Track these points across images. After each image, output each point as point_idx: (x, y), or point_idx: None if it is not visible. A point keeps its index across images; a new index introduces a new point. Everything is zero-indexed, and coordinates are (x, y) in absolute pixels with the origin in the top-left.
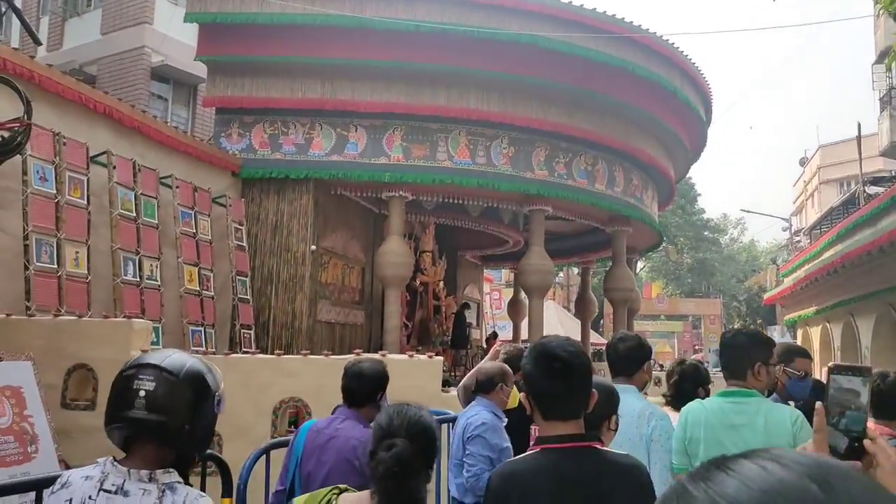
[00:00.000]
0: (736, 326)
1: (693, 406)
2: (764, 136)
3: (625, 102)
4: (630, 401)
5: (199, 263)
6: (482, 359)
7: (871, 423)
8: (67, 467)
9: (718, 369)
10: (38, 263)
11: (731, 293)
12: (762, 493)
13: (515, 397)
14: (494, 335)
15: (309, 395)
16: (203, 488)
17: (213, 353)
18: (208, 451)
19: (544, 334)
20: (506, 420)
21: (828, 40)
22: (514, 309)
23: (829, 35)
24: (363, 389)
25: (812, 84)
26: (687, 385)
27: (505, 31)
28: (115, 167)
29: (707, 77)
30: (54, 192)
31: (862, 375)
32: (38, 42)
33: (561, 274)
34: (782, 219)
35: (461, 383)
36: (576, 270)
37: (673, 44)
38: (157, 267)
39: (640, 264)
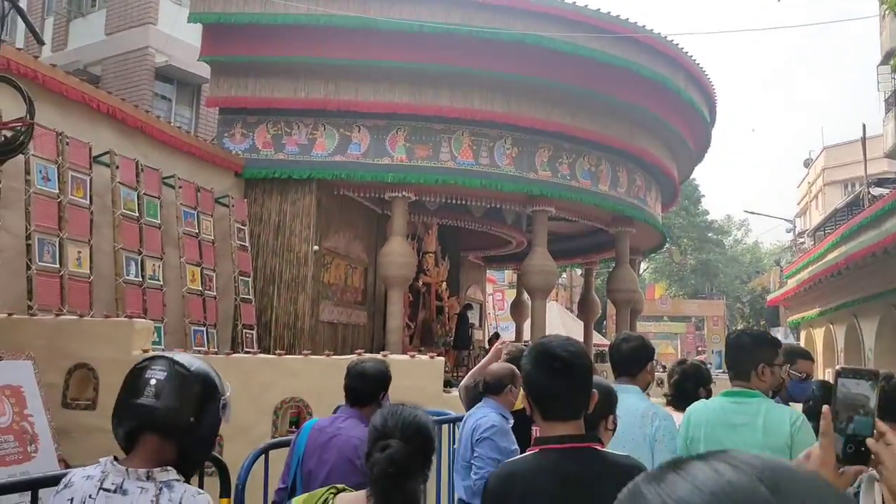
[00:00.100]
0: (739, 328)
1: (696, 406)
2: (768, 138)
3: (629, 103)
4: (633, 401)
5: (201, 263)
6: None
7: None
8: (67, 466)
9: (721, 370)
10: (40, 263)
11: (735, 295)
12: (711, 495)
13: (522, 399)
14: (497, 336)
15: (310, 396)
16: (201, 488)
17: (216, 353)
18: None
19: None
20: (512, 421)
21: (833, 41)
22: (516, 310)
23: (835, 36)
24: (366, 389)
25: (817, 85)
26: (688, 385)
27: (509, 32)
28: (117, 167)
29: (711, 77)
30: (57, 191)
31: (870, 379)
32: (41, 42)
33: (564, 275)
34: (786, 220)
35: (462, 383)
36: (579, 271)
37: (677, 44)
38: (159, 267)
39: (643, 265)
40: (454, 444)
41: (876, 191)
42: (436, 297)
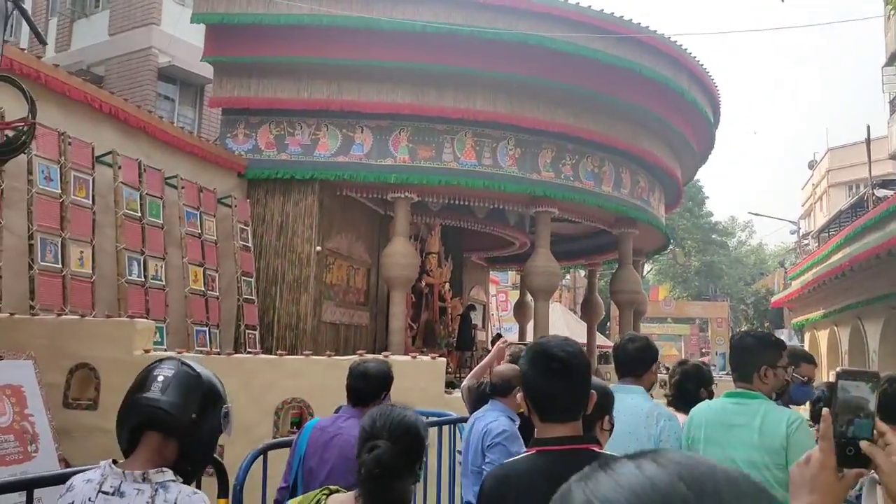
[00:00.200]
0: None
1: (699, 407)
2: (773, 139)
3: (632, 104)
4: (638, 401)
5: (204, 264)
6: None
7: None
8: (68, 466)
9: (725, 372)
10: (42, 263)
11: (739, 296)
12: (632, 492)
13: None
14: (499, 336)
15: (311, 396)
16: (198, 489)
17: (217, 354)
18: None
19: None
20: (518, 422)
21: (838, 42)
22: (520, 311)
23: (840, 37)
24: (368, 389)
25: (821, 86)
26: (689, 385)
27: (512, 32)
28: (120, 167)
29: (715, 78)
30: (59, 191)
31: (870, 381)
32: (43, 42)
33: (567, 276)
34: (790, 222)
35: (464, 384)
36: (582, 273)
37: (680, 45)
38: (161, 267)
39: (647, 267)
40: (455, 445)
41: (880, 192)
42: (439, 298)
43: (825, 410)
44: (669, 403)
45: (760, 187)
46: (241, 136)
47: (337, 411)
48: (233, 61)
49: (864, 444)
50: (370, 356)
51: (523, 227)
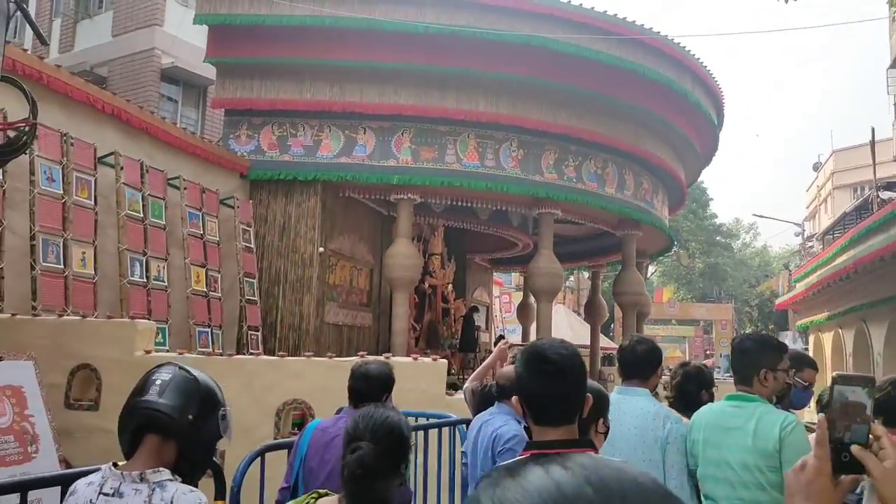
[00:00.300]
0: (748, 331)
1: (702, 410)
2: (777, 141)
3: (635, 105)
4: (644, 404)
5: (206, 264)
6: None
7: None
8: (69, 467)
9: (729, 374)
10: (44, 263)
11: (743, 298)
12: (538, 496)
13: None
14: (501, 338)
15: (312, 397)
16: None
17: (220, 355)
18: None
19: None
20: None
21: (844, 43)
22: (523, 312)
23: (845, 38)
24: (369, 390)
25: (826, 88)
26: (690, 387)
27: (514, 34)
28: (122, 168)
29: (719, 80)
30: (61, 192)
31: (866, 386)
32: (44, 42)
33: (571, 278)
34: (795, 224)
35: (468, 387)
36: (586, 274)
37: (684, 46)
38: (164, 268)
39: (651, 269)
40: (455, 447)
41: (885, 194)
42: (442, 300)
43: (820, 416)
44: (670, 405)
45: (765, 189)
46: (244, 137)
47: (338, 412)
48: (235, 62)
49: (854, 449)
50: (371, 357)
51: (526, 228)
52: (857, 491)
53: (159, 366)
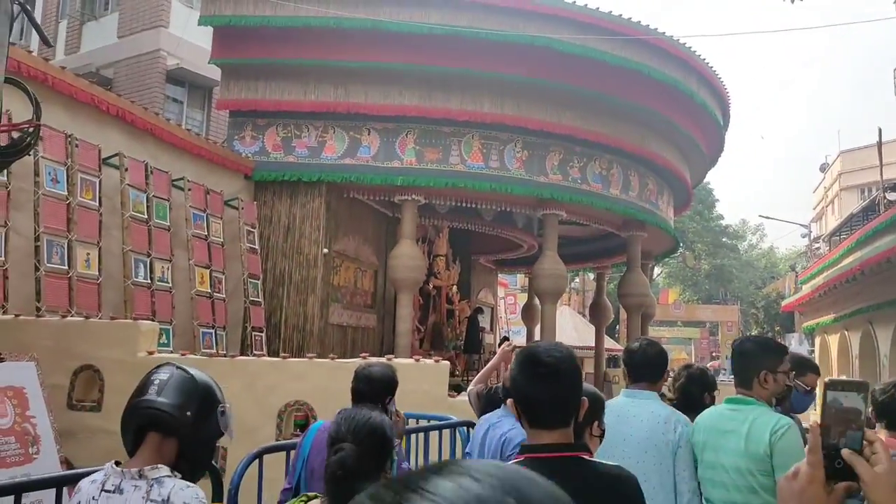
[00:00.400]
0: (754, 333)
1: (704, 413)
2: (784, 142)
3: (640, 106)
4: (655, 407)
5: (210, 266)
6: None
7: (883, 436)
8: (70, 468)
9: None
10: (48, 264)
11: (749, 300)
12: None
13: None
14: (506, 339)
15: (314, 398)
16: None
17: (224, 356)
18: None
19: (557, 340)
20: None
21: (851, 43)
22: (528, 314)
23: (851, 39)
24: (372, 392)
25: (833, 88)
26: (694, 389)
27: (519, 34)
28: (127, 169)
29: (725, 80)
30: (66, 193)
31: (861, 391)
32: (48, 44)
33: (577, 279)
34: (802, 225)
35: (472, 389)
36: (591, 276)
37: (689, 47)
38: (168, 269)
39: (656, 270)
40: (456, 449)
41: (892, 195)
42: (446, 301)
43: (813, 422)
44: (674, 407)
45: (772, 190)
46: (249, 138)
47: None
48: (240, 63)
49: (845, 452)
50: (374, 359)
51: (531, 229)
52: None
53: (158, 366)
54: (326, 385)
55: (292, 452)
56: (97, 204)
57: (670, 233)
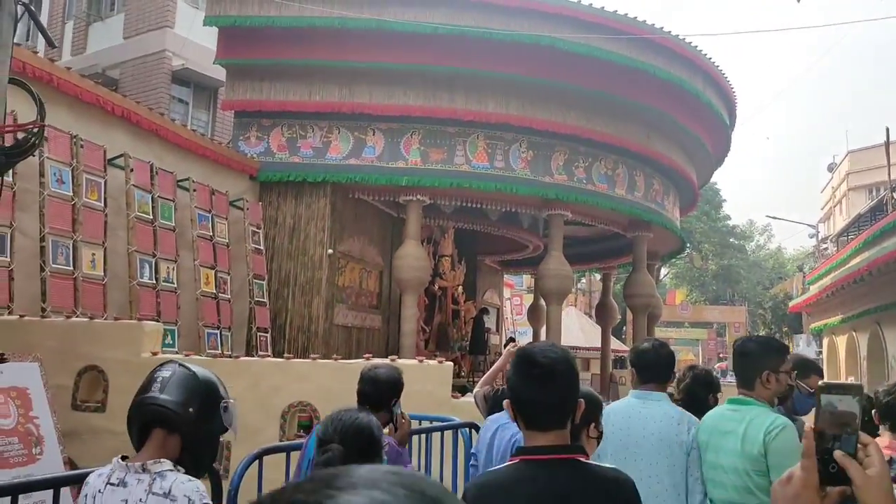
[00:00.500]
0: (762, 334)
1: (709, 413)
2: (791, 141)
3: (646, 105)
4: (668, 409)
5: (215, 266)
6: None
7: (887, 438)
8: (74, 468)
9: None
10: (53, 265)
11: (757, 301)
12: None
13: None
14: (511, 340)
15: (318, 399)
16: None
17: (228, 356)
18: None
19: (562, 341)
20: None
21: (857, 43)
22: (534, 315)
23: (861, 37)
24: (377, 394)
25: (841, 88)
26: (699, 390)
27: (524, 34)
28: (132, 170)
29: (731, 80)
30: (71, 194)
31: (856, 395)
32: (52, 44)
33: (583, 280)
34: (809, 225)
35: (479, 391)
36: (598, 276)
37: (695, 46)
38: (173, 269)
39: (663, 271)
40: (458, 450)
41: None
42: (452, 302)
43: (807, 427)
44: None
45: (780, 190)
46: (254, 138)
47: None
48: (245, 64)
49: (837, 454)
50: (380, 361)
51: (537, 230)
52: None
53: (161, 364)
54: (330, 386)
55: (293, 453)
56: (102, 205)
57: (676, 233)
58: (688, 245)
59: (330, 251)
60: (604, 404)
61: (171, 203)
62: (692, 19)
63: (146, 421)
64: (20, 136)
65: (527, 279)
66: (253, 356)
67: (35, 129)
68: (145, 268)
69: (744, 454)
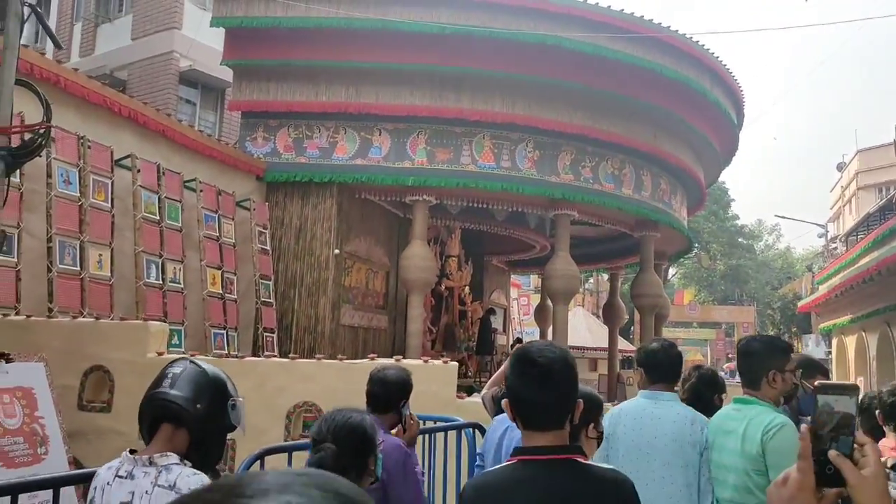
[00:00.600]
0: (770, 334)
1: (716, 413)
2: (800, 140)
3: (653, 105)
4: (681, 409)
5: (222, 267)
6: None
7: (892, 441)
8: (79, 468)
9: None
10: (61, 265)
11: (766, 301)
12: None
13: None
14: (519, 341)
15: (323, 400)
16: None
17: (235, 356)
18: None
19: (569, 341)
20: None
21: (865, 42)
22: (541, 315)
23: (867, 37)
24: (386, 395)
25: (850, 86)
26: (705, 390)
27: (530, 33)
28: (139, 170)
29: (739, 79)
30: (78, 194)
31: (853, 395)
32: (58, 46)
33: (591, 280)
34: (818, 225)
35: (487, 393)
36: (605, 276)
37: (703, 45)
38: (180, 270)
39: (672, 271)
40: (462, 451)
41: None
42: (459, 302)
43: (803, 428)
44: None
45: (789, 189)
46: (260, 139)
47: None
48: (252, 65)
49: (832, 454)
50: (388, 361)
51: (544, 230)
52: None
53: (173, 361)
54: (335, 386)
55: (295, 454)
56: (109, 205)
57: (684, 233)
58: (696, 245)
59: (336, 251)
60: (611, 405)
61: (178, 204)
62: (698, 19)
63: (156, 416)
64: (27, 136)
65: (534, 279)
66: (259, 357)
67: (41, 130)
68: (152, 268)
69: (743, 453)
